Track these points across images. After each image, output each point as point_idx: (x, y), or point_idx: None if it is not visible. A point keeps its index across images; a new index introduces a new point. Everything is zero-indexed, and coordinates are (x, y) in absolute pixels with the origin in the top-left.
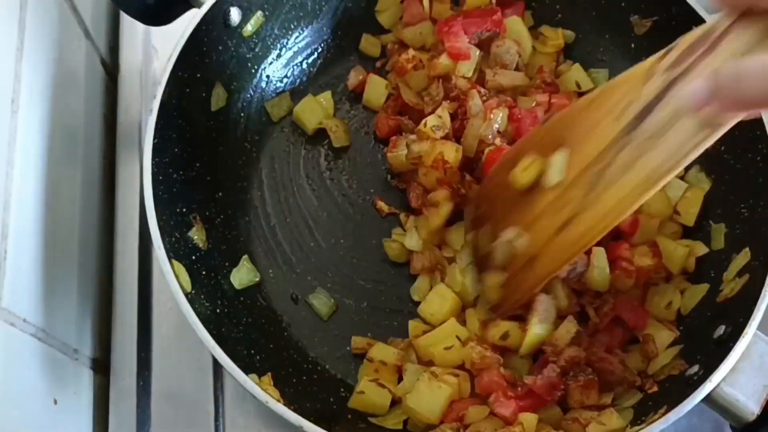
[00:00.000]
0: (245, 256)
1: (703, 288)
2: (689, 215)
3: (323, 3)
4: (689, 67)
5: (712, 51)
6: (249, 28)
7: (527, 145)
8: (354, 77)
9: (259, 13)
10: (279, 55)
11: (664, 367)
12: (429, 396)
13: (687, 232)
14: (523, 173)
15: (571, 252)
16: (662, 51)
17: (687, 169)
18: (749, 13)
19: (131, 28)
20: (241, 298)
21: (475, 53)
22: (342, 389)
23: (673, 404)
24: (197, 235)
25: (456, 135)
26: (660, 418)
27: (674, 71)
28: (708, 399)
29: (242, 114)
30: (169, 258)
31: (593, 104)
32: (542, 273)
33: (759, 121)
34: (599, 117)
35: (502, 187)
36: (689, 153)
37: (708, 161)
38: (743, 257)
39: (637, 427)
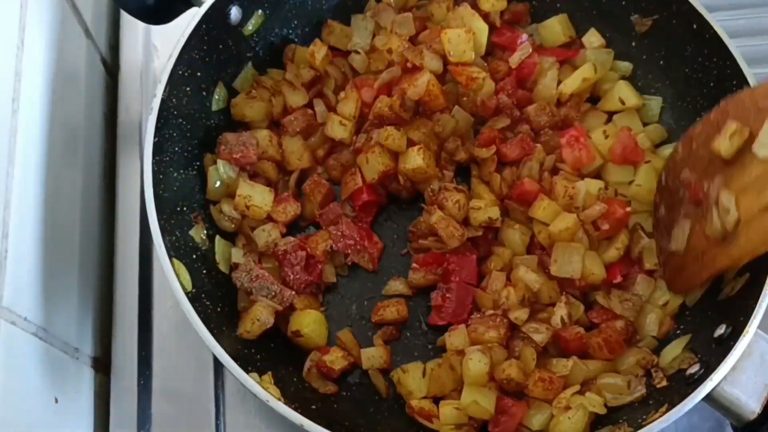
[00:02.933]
0: None
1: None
2: None
3: (323, 2)
4: None
5: None
6: (249, 27)
7: (735, 108)
8: None
9: (260, 11)
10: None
11: (674, 360)
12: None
13: None
14: (725, 142)
15: None
16: None
17: None
18: None
19: (131, 26)
20: None
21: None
22: (343, 388)
23: (674, 403)
24: (198, 234)
25: None
26: (661, 416)
27: None
28: (709, 398)
29: None
30: (170, 257)
31: None
32: (736, 254)
33: None
34: None
35: (703, 151)
36: None
37: None
38: None
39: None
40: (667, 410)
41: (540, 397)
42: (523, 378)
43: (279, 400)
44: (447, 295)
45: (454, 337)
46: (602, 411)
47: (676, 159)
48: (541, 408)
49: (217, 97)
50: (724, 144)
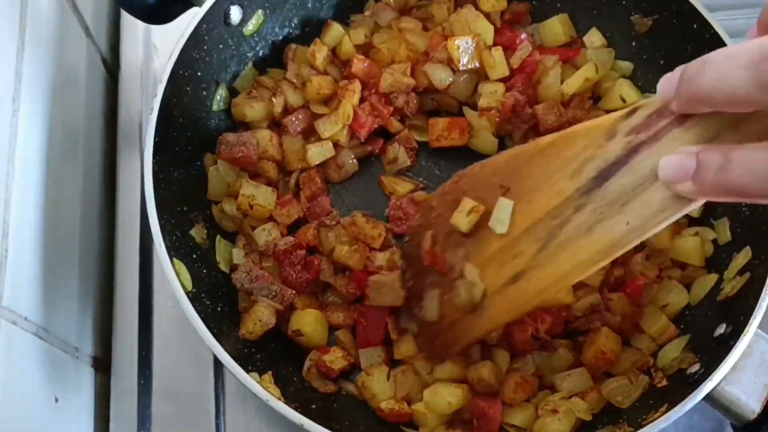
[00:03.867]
0: None
1: (712, 278)
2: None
3: (324, 2)
4: (656, 134)
5: (681, 124)
6: (250, 27)
7: (469, 183)
8: None
9: (260, 11)
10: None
11: (673, 360)
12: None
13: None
14: (463, 218)
15: (519, 309)
16: (627, 109)
17: None
18: None
19: (132, 26)
20: None
21: None
22: (343, 388)
23: (674, 402)
24: (198, 234)
25: None
26: (661, 416)
27: (639, 136)
28: (709, 397)
29: None
30: (170, 256)
31: (545, 152)
32: (486, 326)
33: None
34: (552, 168)
35: (443, 222)
36: (654, 226)
37: None
38: (744, 256)
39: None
40: (667, 410)
41: (518, 401)
42: (494, 381)
43: (279, 399)
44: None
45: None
46: (588, 417)
47: (415, 228)
48: (522, 406)
49: (218, 97)
50: (462, 220)
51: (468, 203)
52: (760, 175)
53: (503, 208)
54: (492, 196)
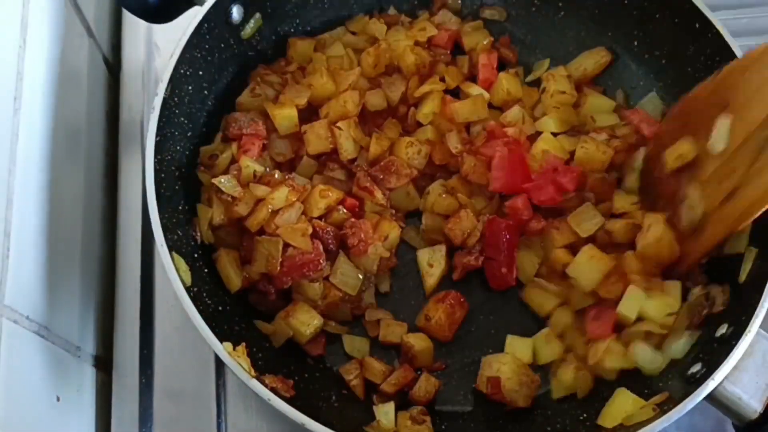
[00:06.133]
0: None
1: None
2: None
3: (325, 2)
4: None
5: None
6: (248, 30)
7: (691, 105)
8: None
9: (258, 15)
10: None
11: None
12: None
13: None
14: (675, 159)
15: (733, 226)
16: None
17: None
18: None
19: (133, 25)
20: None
21: None
22: (344, 387)
23: (675, 402)
24: (199, 233)
25: None
26: (662, 415)
27: None
28: (710, 397)
29: None
30: (170, 250)
31: (760, 61)
32: (706, 244)
33: None
34: (766, 75)
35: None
36: None
37: None
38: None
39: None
40: (669, 409)
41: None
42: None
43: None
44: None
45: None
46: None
47: (648, 154)
48: (633, 291)
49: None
50: (671, 157)
51: (682, 145)
52: None
53: (721, 126)
54: (710, 118)
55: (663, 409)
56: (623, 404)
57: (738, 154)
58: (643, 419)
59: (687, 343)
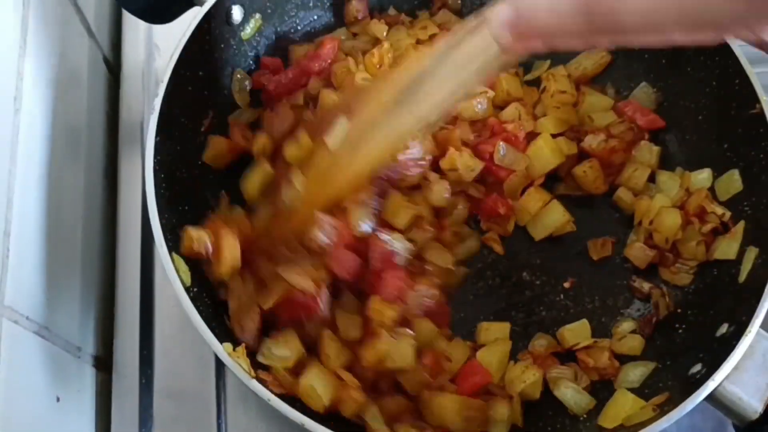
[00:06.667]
0: None
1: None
2: None
3: (325, 2)
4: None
5: None
6: (248, 30)
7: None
8: None
9: (258, 15)
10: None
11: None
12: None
13: None
14: (293, 151)
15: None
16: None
17: (692, 168)
18: None
19: (134, 26)
20: None
21: None
22: None
23: (675, 402)
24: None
25: None
26: (663, 416)
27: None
28: (711, 397)
29: None
30: (170, 251)
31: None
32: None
33: (761, 118)
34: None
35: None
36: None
37: (711, 159)
38: (750, 254)
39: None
40: (669, 410)
41: None
42: None
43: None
44: None
45: None
46: None
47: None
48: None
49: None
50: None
51: (302, 138)
52: None
53: (338, 127)
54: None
55: (663, 409)
56: (623, 404)
57: (344, 150)
58: (643, 419)
59: (642, 374)
